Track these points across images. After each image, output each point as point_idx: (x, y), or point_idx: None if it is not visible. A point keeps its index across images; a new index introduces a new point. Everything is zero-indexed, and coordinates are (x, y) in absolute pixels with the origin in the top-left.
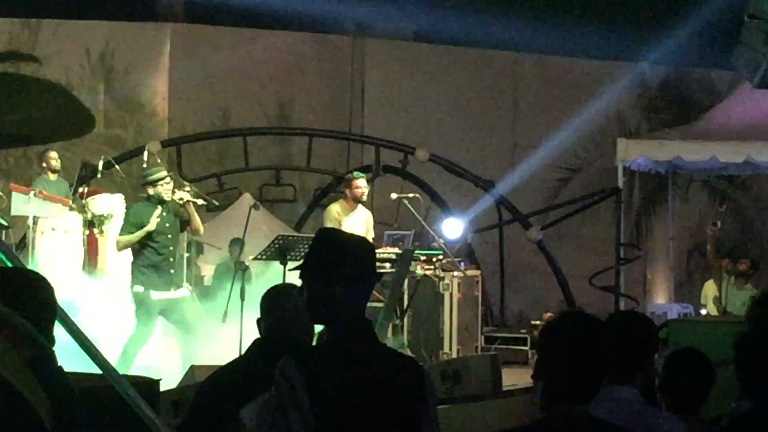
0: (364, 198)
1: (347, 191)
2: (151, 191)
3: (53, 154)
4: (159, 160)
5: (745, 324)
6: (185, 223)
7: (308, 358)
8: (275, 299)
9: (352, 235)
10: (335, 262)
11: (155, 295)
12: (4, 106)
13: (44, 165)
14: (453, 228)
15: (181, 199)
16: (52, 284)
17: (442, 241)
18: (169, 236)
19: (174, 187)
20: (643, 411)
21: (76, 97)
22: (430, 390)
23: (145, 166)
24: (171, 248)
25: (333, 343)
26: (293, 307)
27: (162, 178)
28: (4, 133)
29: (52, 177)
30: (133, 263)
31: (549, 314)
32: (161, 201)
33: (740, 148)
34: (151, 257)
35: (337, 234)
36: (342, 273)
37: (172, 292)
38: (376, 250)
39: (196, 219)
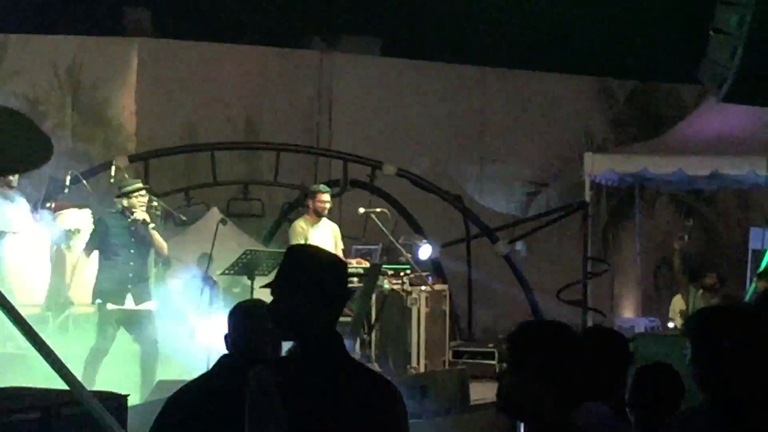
0: (326, 212)
1: (310, 204)
2: (125, 203)
3: None
4: (126, 175)
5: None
6: (149, 243)
7: (284, 367)
8: (243, 315)
9: (324, 251)
10: (309, 279)
11: (111, 306)
12: None
13: (1, 178)
14: (426, 252)
15: (145, 220)
16: (20, 298)
17: (409, 255)
18: (132, 251)
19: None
20: (613, 427)
21: (32, 122)
22: (403, 410)
23: (112, 180)
24: (132, 263)
25: (306, 356)
26: (261, 324)
27: (138, 190)
28: None
29: (9, 191)
30: (96, 275)
31: None
32: (132, 213)
33: (707, 162)
34: (112, 270)
35: (310, 250)
36: (315, 289)
37: (130, 305)
38: None
39: (158, 240)
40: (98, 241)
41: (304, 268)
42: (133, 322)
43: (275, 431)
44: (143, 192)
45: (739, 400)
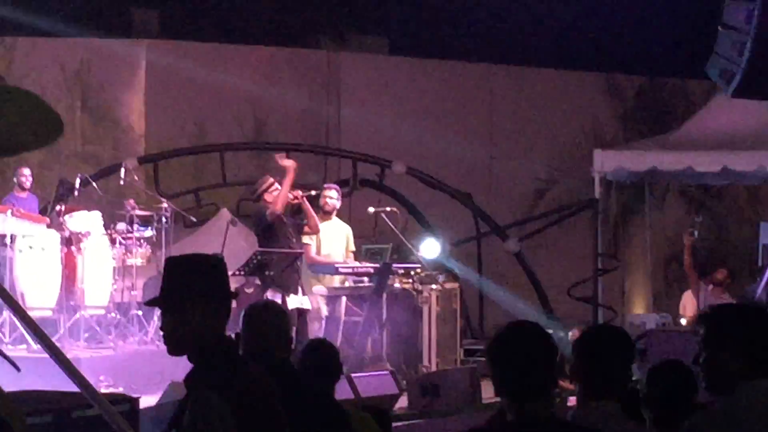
0: (332, 208)
1: (320, 203)
2: (269, 199)
3: (26, 171)
4: (136, 177)
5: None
6: (301, 226)
7: (226, 386)
8: (257, 315)
9: (202, 255)
10: (187, 287)
11: (290, 303)
12: None
13: (15, 180)
14: (430, 249)
15: (295, 198)
16: (31, 302)
17: (420, 254)
18: (294, 241)
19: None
20: (622, 426)
21: (42, 100)
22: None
23: (122, 182)
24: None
25: (222, 369)
26: (275, 324)
27: (272, 184)
28: None
29: (22, 194)
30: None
31: None
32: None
33: (716, 158)
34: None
35: (190, 258)
36: (195, 296)
37: (300, 298)
38: (355, 264)
39: (313, 215)
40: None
41: (178, 278)
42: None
43: None
44: (276, 184)
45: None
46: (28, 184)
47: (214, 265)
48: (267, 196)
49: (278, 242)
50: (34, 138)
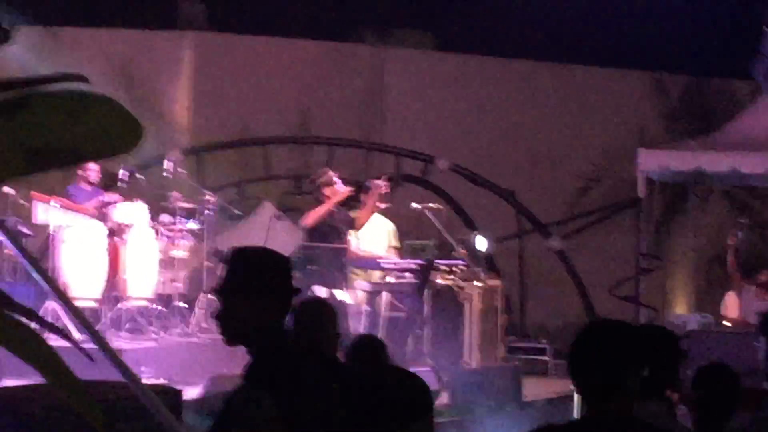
0: (385, 195)
1: (364, 198)
2: (327, 192)
3: (93, 165)
4: (180, 169)
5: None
6: (352, 220)
7: (280, 384)
8: (307, 311)
9: (264, 249)
10: (262, 281)
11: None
12: (50, 125)
13: (80, 173)
14: (481, 242)
15: (351, 192)
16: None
17: (464, 251)
18: (344, 235)
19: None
20: (670, 425)
21: (123, 106)
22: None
23: (165, 174)
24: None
25: (279, 366)
26: (324, 320)
27: (331, 178)
28: (51, 151)
29: (87, 187)
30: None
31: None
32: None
33: (762, 159)
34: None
35: (258, 251)
36: (269, 291)
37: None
38: (397, 260)
39: (369, 211)
40: None
41: (242, 268)
42: None
43: None
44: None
45: None
46: (93, 178)
47: (278, 259)
48: (326, 190)
49: (327, 237)
50: (114, 144)
